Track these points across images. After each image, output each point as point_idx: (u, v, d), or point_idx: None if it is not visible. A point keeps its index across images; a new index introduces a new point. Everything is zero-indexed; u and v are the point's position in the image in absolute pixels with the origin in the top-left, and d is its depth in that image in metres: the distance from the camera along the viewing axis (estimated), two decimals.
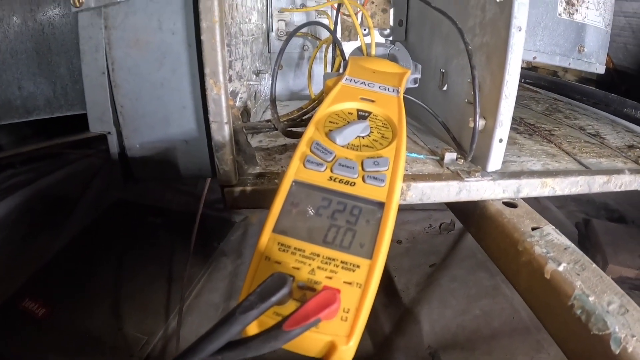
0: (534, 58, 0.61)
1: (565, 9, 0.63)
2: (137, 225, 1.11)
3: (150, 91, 0.46)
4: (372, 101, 0.40)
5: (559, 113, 0.81)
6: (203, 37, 0.38)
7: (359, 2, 0.66)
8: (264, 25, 0.73)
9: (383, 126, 0.38)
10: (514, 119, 0.69)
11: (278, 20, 0.72)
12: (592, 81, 1.18)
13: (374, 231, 0.29)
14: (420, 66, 0.52)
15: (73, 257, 0.96)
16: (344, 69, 0.46)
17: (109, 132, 0.49)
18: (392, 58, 0.52)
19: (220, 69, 0.39)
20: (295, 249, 0.28)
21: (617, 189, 0.56)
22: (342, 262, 0.27)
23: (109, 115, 0.48)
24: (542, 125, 0.70)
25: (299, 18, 0.74)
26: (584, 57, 0.68)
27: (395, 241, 1.07)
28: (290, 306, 0.24)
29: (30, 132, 1.27)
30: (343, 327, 0.24)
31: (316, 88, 0.73)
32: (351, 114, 0.39)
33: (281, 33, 0.73)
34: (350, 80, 0.42)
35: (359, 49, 0.53)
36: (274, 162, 0.46)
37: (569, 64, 0.66)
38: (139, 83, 0.46)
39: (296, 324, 0.22)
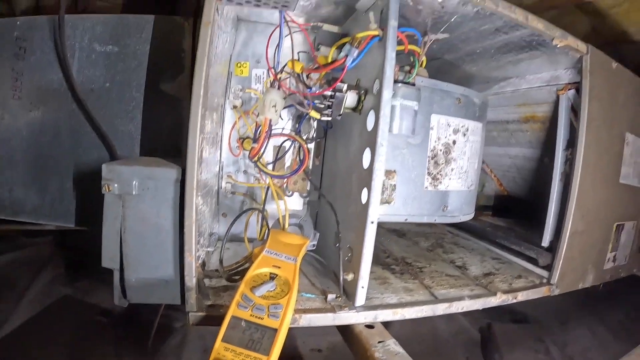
0: (406, 220, 0.97)
1: (430, 183, 0.99)
2: (82, 324, 1.22)
3: (147, 249, 0.79)
4: (279, 267, 0.74)
5: (440, 248, 1.18)
6: (185, 230, 0.72)
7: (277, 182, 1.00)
8: (215, 184, 1.03)
9: (283, 284, 0.71)
10: (395, 259, 1.04)
11: (226, 182, 1.05)
12: (489, 207, 1.58)
13: (271, 342, 0.61)
14: (318, 234, 0.88)
15: (15, 349, 1.04)
16: (266, 240, 0.81)
17: (116, 269, 0.82)
18: (300, 227, 0.88)
19: (193, 248, 0.72)
20: (232, 349, 0.59)
21: (460, 311, 0.90)
22: (254, 357, 0.59)
23: (117, 258, 0.81)
24: (417, 263, 1.04)
25: (241, 180, 1.06)
26: (448, 213, 1.04)
27: (317, 350, 1.32)
28: None
29: None
30: None
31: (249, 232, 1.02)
32: (266, 275, 0.72)
33: (227, 192, 1.05)
34: (269, 252, 0.77)
35: (278, 221, 0.89)
36: (219, 297, 0.77)
37: (435, 220, 1.02)
38: (140, 243, 0.79)
39: None
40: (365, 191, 0.77)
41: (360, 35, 0.74)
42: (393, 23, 0.74)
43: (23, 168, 1.24)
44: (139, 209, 0.79)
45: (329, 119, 0.80)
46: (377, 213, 0.76)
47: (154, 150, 1.22)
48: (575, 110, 1.09)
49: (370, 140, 0.75)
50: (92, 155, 1.21)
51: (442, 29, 0.93)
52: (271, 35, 0.86)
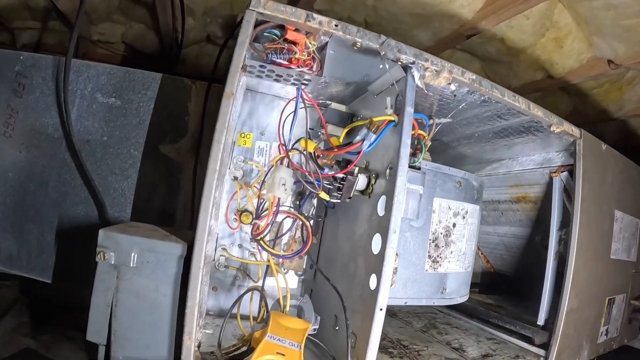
0: (405, 303, 0.95)
1: (431, 266, 0.99)
2: None
3: (139, 326, 0.74)
4: (283, 355, 0.70)
5: (434, 329, 1.16)
6: (187, 310, 0.68)
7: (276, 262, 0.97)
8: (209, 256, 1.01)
9: None
10: (391, 341, 1.01)
11: (220, 255, 1.00)
12: (476, 284, 1.57)
13: None
14: (319, 317, 0.84)
15: None
16: (267, 322, 0.77)
17: (102, 344, 0.76)
18: (300, 310, 0.85)
19: (194, 331, 0.68)
20: None
21: None
22: None
23: (104, 332, 0.75)
24: (414, 346, 1.01)
25: (235, 254, 1.01)
26: (447, 296, 1.03)
27: None
28: None
29: None
30: None
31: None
32: None
33: (220, 266, 1.00)
34: (272, 337, 0.72)
35: (278, 302, 0.85)
36: None
37: (434, 303, 1.00)
38: (132, 319, 0.74)
39: None
40: (374, 277, 0.75)
41: (377, 119, 0.74)
42: (409, 110, 0.74)
43: (3, 212, 1.17)
44: (135, 283, 0.75)
45: (338, 201, 0.79)
46: (386, 300, 0.74)
47: (147, 213, 1.17)
48: (567, 191, 1.12)
49: (382, 226, 0.74)
50: (78, 211, 1.16)
51: (450, 115, 0.95)
52: (283, 110, 0.86)
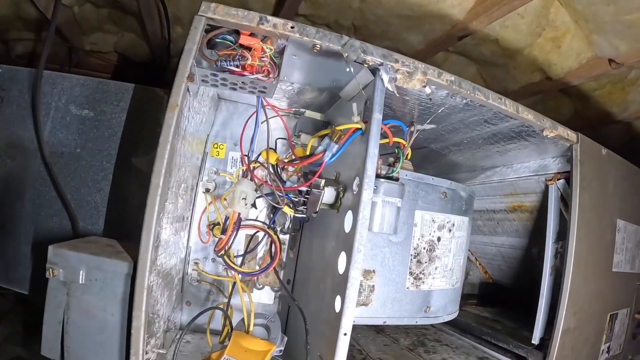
0: (384, 322, 0.87)
1: (412, 283, 0.90)
2: None
3: (90, 345, 0.68)
4: None
5: (421, 347, 1.07)
6: (132, 331, 0.61)
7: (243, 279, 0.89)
8: (181, 270, 0.92)
9: None
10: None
11: (192, 269, 0.94)
12: (474, 295, 1.48)
13: None
14: (286, 338, 0.77)
15: None
16: (227, 344, 0.70)
17: None
18: (267, 329, 0.77)
19: (140, 351, 0.61)
20: None
21: None
22: None
23: (57, 348, 0.70)
24: None
25: (209, 268, 0.96)
26: (431, 314, 0.94)
27: None
28: None
29: None
30: None
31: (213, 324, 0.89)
32: None
33: (192, 280, 0.94)
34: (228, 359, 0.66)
35: (242, 321, 0.78)
36: None
37: (416, 322, 0.92)
38: (83, 337, 0.69)
39: None
40: (338, 299, 0.67)
41: (340, 128, 0.67)
42: (377, 116, 0.67)
43: None
44: (84, 301, 0.69)
45: (304, 216, 0.72)
46: (350, 324, 0.66)
47: (120, 227, 1.11)
48: (564, 199, 1.03)
49: (347, 243, 0.67)
50: (52, 223, 1.11)
51: (429, 120, 0.88)
52: (248, 119, 0.79)
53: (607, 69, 1.36)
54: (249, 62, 0.63)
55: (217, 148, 0.95)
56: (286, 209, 0.71)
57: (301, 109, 0.89)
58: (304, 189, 0.69)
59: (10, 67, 1.15)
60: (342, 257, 0.69)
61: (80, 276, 0.68)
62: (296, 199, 0.73)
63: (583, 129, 0.96)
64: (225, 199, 0.89)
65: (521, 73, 1.48)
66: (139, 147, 1.14)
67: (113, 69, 1.82)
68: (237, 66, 0.63)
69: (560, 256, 1.03)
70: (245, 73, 0.64)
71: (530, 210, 1.20)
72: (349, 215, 0.69)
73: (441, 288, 0.94)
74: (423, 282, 0.91)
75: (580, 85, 1.52)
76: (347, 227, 0.68)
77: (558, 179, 1.05)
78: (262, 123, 0.77)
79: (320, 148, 0.67)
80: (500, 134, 0.97)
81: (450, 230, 0.94)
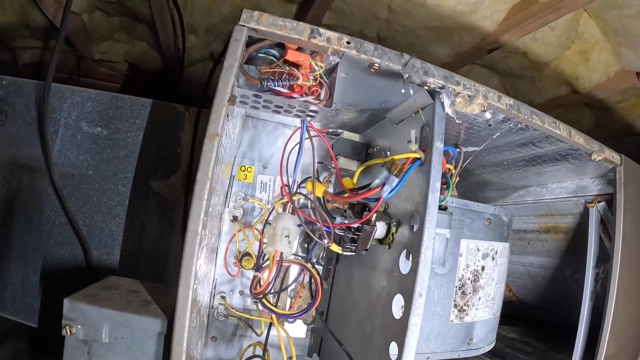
0: (428, 358, 0.79)
1: (457, 315, 0.83)
2: None
3: None
4: None
5: None
6: None
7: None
8: (207, 305, 0.82)
9: None
10: None
11: (219, 304, 0.84)
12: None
13: None
14: None
15: None
16: None
17: None
18: None
19: None
20: None
21: None
22: None
23: None
24: None
25: (236, 302, 0.86)
26: (473, 346, 0.87)
27: None
28: None
29: None
30: None
31: None
32: None
33: (219, 315, 0.84)
34: None
35: None
36: None
37: (459, 355, 0.84)
38: None
39: None
40: (394, 346, 0.59)
41: (399, 157, 0.58)
42: (439, 145, 0.59)
43: None
44: None
45: (352, 254, 0.63)
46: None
47: (137, 257, 1.01)
48: (604, 222, 0.97)
49: (405, 286, 0.58)
50: (63, 252, 1.00)
51: (483, 146, 0.79)
52: (288, 141, 0.70)
53: (634, 82, 1.29)
54: (299, 81, 0.54)
55: (244, 171, 0.86)
56: (334, 247, 0.62)
57: (338, 130, 0.80)
58: (356, 225, 0.60)
59: (16, 79, 1.04)
60: (399, 300, 0.60)
61: (104, 334, 0.58)
62: (342, 233, 0.64)
63: (604, 141, 0.90)
64: (256, 229, 0.80)
65: (547, 86, 1.40)
66: (158, 170, 1.04)
67: (123, 79, 1.72)
68: (287, 87, 0.54)
69: (602, 282, 0.95)
70: (294, 95, 0.55)
71: (565, 232, 1.12)
72: (405, 255, 0.60)
73: (484, 318, 0.87)
74: (467, 313, 0.84)
75: (605, 99, 1.44)
76: (405, 268, 0.60)
77: (599, 202, 0.98)
78: (306, 139, 0.67)
79: (378, 181, 0.58)
80: (545, 156, 0.89)
81: (493, 259, 0.86)
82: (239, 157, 0.86)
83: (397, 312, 0.61)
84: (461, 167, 0.76)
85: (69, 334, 0.59)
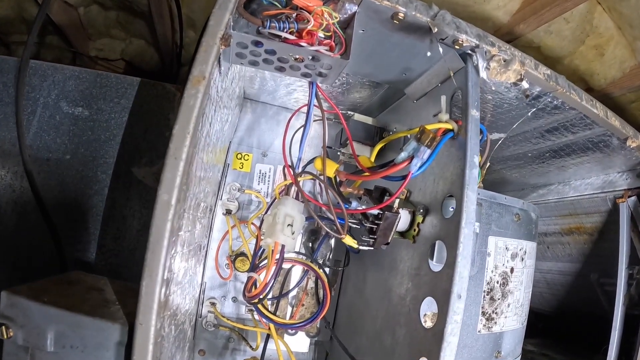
0: None
1: (485, 325, 0.69)
2: None
3: None
4: None
5: None
6: None
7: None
8: (194, 313, 0.69)
9: None
10: None
11: (208, 312, 0.70)
12: None
13: None
14: None
15: None
16: None
17: None
18: None
19: None
20: None
21: None
22: None
23: None
24: None
25: (229, 310, 0.72)
26: (501, 359, 0.73)
27: None
28: None
29: None
30: None
31: None
32: None
33: (208, 325, 0.70)
34: None
35: None
36: None
37: None
38: None
39: None
40: None
41: (430, 127, 0.44)
42: (474, 113, 0.46)
43: None
44: None
45: (370, 248, 0.49)
46: None
47: (117, 254, 0.87)
48: (635, 219, 0.85)
49: (438, 287, 0.45)
50: (32, 246, 0.84)
51: (517, 124, 0.66)
52: (290, 119, 0.57)
53: None
54: (309, 26, 0.41)
55: (241, 159, 0.72)
56: (348, 240, 0.48)
57: (349, 112, 0.67)
58: (375, 211, 0.46)
59: None
60: (429, 305, 0.46)
61: (48, 340, 0.43)
62: (357, 225, 0.50)
63: None
64: (252, 224, 0.66)
65: None
66: (142, 155, 0.89)
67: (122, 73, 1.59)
68: (292, 32, 0.40)
69: (636, 283, 0.83)
70: (303, 42, 0.42)
71: (590, 232, 0.98)
72: (438, 248, 0.46)
73: (512, 328, 0.74)
74: (495, 322, 0.70)
75: (618, 97, 1.32)
76: (437, 265, 0.46)
77: (629, 196, 0.85)
78: (314, 121, 0.54)
79: (404, 154, 0.44)
80: (575, 144, 0.77)
81: (522, 259, 0.73)
82: (235, 143, 0.73)
83: (427, 320, 0.47)
84: (488, 154, 0.63)
85: (5, 337, 0.44)
